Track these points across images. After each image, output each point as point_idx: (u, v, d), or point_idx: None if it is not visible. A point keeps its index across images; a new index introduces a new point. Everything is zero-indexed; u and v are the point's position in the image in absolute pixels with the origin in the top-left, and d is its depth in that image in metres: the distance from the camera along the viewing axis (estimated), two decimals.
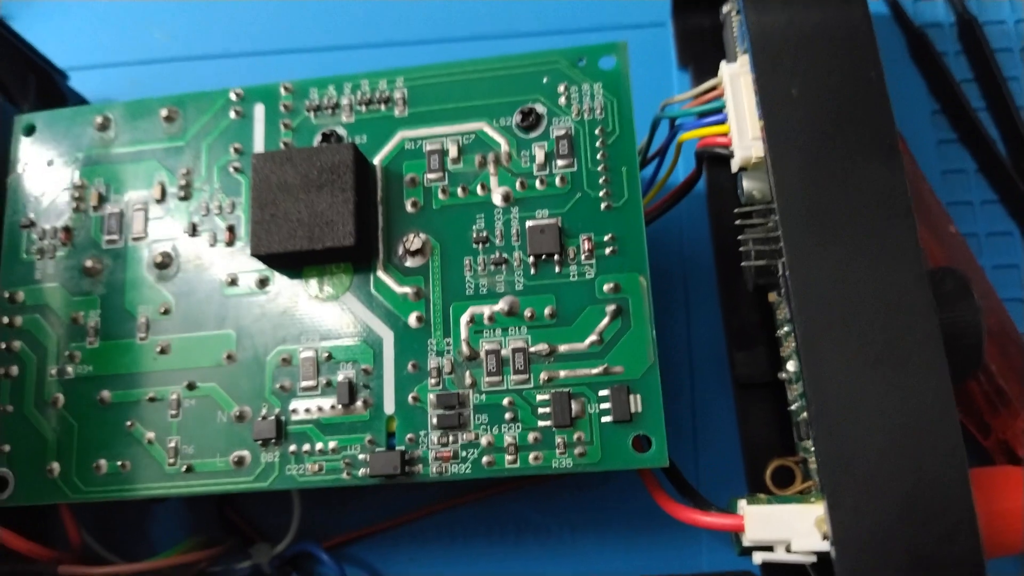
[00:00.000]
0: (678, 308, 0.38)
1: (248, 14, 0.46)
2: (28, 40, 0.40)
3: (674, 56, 0.42)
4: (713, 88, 0.30)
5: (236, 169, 0.32)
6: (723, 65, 0.29)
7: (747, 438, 0.35)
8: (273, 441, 0.29)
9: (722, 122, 0.29)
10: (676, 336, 0.38)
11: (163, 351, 0.31)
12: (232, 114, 0.33)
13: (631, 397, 0.28)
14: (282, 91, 0.33)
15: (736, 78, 0.29)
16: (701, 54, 0.41)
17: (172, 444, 0.30)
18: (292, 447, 0.29)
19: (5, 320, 0.32)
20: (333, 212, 0.29)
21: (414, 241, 0.30)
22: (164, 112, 0.33)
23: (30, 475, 0.31)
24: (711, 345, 0.38)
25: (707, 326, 0.38)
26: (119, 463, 0.30)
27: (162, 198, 0.32)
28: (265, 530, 0.38)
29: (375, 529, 0.37)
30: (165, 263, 0.32)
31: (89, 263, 0.32)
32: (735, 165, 0.29)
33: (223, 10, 0.46)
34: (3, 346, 0.32)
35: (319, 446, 0.29)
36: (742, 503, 0.27)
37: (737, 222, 0.28)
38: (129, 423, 0.31)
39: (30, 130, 0.34)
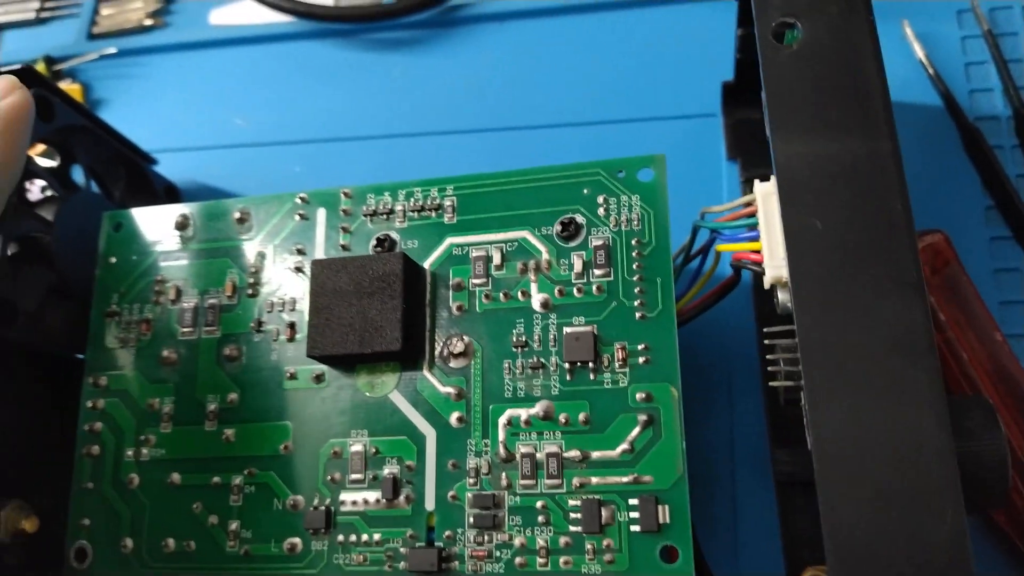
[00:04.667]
0: (722, 401, 0.39)
1: (322, 102, 0.49)
2: (117, 127, 0.43)
3: (723, 148, 0.42)
4: (748, 204, 0.31)
5: (298, 269, 0.35)
6: (756, 184, 0.30)
7: (788, 537, 0.35)
8: (323, 530, 0.32)
9: (755, 239, 0.30)
10: (719, 429, 0.39)
11: (228, 439, 0.33)
12: (296, 217, 0.35)
13: (659, 508, 0.29)
14: (342, 196, 0.35)
15: (768, 197, 0.30)
16: (750, 147, 0.41)
17: (233, 527, 0.33)
18: (340, 537, 0.31)
19: (89, 404, 0.35)
20: (382, 318, 0.31)
21: (457, 344, 0.32)
22: (237, 214, 0.36)
23: (106, 549, 0.34)
24: (754, 440, 0.38)
25: (750, 421, 0.38)
26: (184, 543, 0.33)
27: (232, 294, 0.35)
28: None
29: None
30: (233, 356, 0.34)
31: (166, 353, 0.35)
32: (767, 283, 0.29)
33: (299, 98, 0.49)
34: (87, 427, 0.35)
35: (364, 537, 0.31)
36: None
37: (766, 341, 0.29)
38: (196, 505, 0.33)
39: (117, 226, 0.38)
